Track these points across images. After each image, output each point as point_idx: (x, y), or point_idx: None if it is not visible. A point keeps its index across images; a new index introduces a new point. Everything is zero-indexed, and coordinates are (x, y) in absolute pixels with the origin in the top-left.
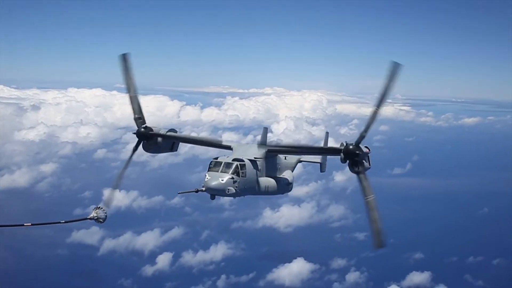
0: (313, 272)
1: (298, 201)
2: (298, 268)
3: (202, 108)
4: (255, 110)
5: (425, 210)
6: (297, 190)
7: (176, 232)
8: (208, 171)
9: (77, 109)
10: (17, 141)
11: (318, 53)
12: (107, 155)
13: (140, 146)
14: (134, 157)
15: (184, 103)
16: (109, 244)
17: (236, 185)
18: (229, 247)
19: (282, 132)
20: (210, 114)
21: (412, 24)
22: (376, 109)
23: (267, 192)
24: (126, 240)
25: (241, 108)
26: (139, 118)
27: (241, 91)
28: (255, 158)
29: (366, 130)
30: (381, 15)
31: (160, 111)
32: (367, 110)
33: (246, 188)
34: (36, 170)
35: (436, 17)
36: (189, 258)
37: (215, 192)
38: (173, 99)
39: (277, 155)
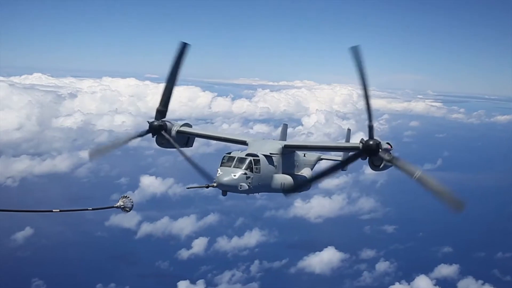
0: (343, 261)
1: (328, 193)
2: (328, 256)
3: (233, 99)
4: (285, 103)
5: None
6: (328, 183)
7: (211, 218)
8: (220, 166)
9: (111, 98)
10: (55, 127)
11: (347, 47)
12: (141, 143)
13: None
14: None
15: (216, 94)
16: (146, 228)
17: (249, 181)
18: (263, 234)
19: (313, 125)
20: (241, 106)
21: (445, 18)
22: (366, 95)
23: (283, 189)
24: (163, 225)
25: (272, 101)
26: (162, 111)
27: (271, 83)
28: (270, 153)
29: (370, 119)
30: (413, 8)
31: (192, 102)
32: (397, 105)
33: (260, 184)
34: (76, 156)
35: (471, 13)
36: (224, 243)
37: (226, 188)
38: (205, 90)
39: (294, 151)
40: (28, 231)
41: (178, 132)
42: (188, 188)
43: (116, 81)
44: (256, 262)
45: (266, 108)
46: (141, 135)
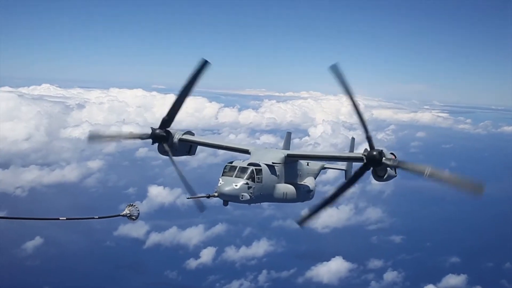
0: (351, 271)
1: (336, 203)
2: (336, 266)
3: (240, 110)
4: (292, 114)
5: (462, 214)
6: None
7: (219, 228)
8: (222, 175)
9: (119, 109)
10: (64, 138)
11: (354, 58)
12: (148, 154)
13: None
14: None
15: (222, 105)
16: (155, 238)
17: (251, 191)
18: (271, 244)
19: (320, 136)
20: (248, 117)
21: (451, 28)
22: (356, 109)
23: (286, 199)
24: (171, 234)
25: (278, 111)
26: (167, 121)
27: (277, 94)
28: (273, 163)
29: (366, 131)
30: (418, 18)
31: (199, 112)
32: (404, 116)
33: (262, 194)
34: (84, 166)
35: (477, 23)
36: (232, 253)
37: (228, 198)
38: (211, 101)
39: (297, 160)
40: (37, 240)
41: (180, 140)
42: (188, 198)
43: (123, 92)
44: (264, 271)
45: (272, 118)
46: (142, 137)
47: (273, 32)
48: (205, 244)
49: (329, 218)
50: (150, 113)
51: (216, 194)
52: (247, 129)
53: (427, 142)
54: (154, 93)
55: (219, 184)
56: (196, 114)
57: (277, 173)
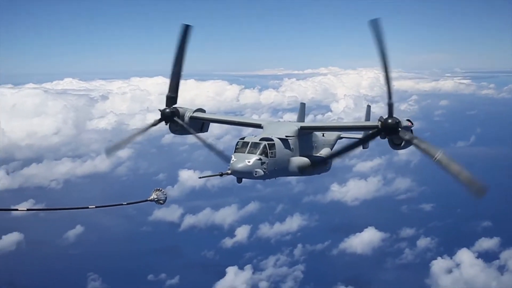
0: (384, 241)
1: (364, 176)
2: (369, 237)
3: (260, 91)
4: (312, 90)
5: (490, 178)
6: (362, 166)
7: (252, 206)
8: (234, 152)
9: (141, 97)
10: (91, 130)
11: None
12: (174, 139)
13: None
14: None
15: (243, 86)
16: (189, 220)
17: (265, 166)
18: (304, 218)
19: (342, 111)
20: (269, 96)
21: None
22: (386, 70)
23: (301, 172)
24: (205, 216)
25: (299, 89)
26: (172, 97)
27: (296, 72)
28: (286, 136)
29: (390, 96)
30: None
31: (220, 96)
32: (425, 85)
33: (277, 169)
34: (114, 156)
35: None
36: (266, 230)
37: (241, 175)
38: (232, 84)
39: (312, 132)
40: (78, 229)
41: (192, 118)
42: (200, 177)
43: (144, 81)
44: (299, 245)
45: (294, 97)
46: (154, 124)
47: (286, 11)
48: (239, 223)
49: (358, 190)
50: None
51: (229, 171)
52: (268, 108)
53: (451, 109)
54: None
55: (231, 161)
56: (217, 97)
57: (291, 147)
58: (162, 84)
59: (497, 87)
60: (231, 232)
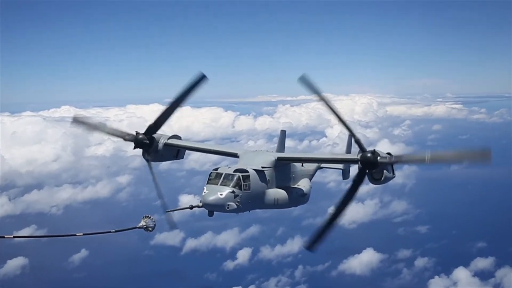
0: (382, 262)
1: (361, 199)
2: (367, 258)
3: (255, 117)
4: (307, 116)
5: (484, 200)
6: (359, 189)
7: (253, 229)
8: (207, 183)
9: (138, 124)
10: (89, 156)
11: (362, 57)
12: (171, 166)
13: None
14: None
15: (238, 113)
16: (191, 244)
17: (238, 199)
18: (305, 240)
19: (337, 136)
20: (264, 123)
21: (458, 21)
22: (336, 115)
23: (277, 205)
24: (207, 239)
25: (293, 115)
26: (153, 129)
27: (289, 98)
28: (262, 167)
29: (353, 134)
30: (424, 13)
31: (216, 122)
32: (418, 110)
33: (251, 202)
34: (114, 182)
35: (484, 13)
36: (268, 252)
37: (213, 208)
38: (227, 110)
39: (289, 163)
40: (83, 252)
41: (166, 144)
42: (168, 211)
43: (140, 108)
44: (300, 267)
45: (288, 122)
46: (125, 138)
47: (278, 37)
48: (240, 245)
49: (355, 214)
50: (167, 126)
51: (200, 204)
52: (264, 135)
53: (443, 134)
54: None
55: (203, 193)
56: (213, 124)
57: (267, 178)
58: (157, 111)
59: (488, 111)
60: (232, 255)
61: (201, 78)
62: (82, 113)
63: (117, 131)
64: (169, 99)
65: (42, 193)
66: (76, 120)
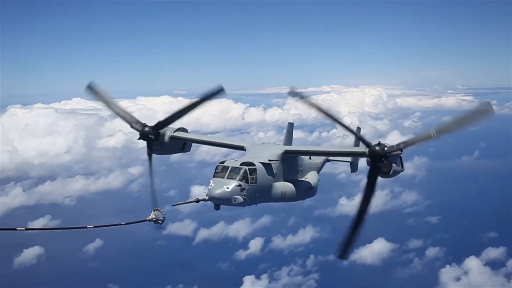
0: (393, 251)
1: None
2: (379, 247)
3: (265, 109)
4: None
5: (495, 190)
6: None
7: (265, 219)
8: (213, 176)
9: (149, 116)
10: (101, 148)
11: (372, 48)
12: (182, 157)
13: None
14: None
15: (248, 105)
16: (203, 234)
17: (245, 193)
18: (316, 230)
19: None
20: (274, 114)
21: (468, 11)
22: (335, 118)
23: (284, 198)
24: (219, 229)
25: (303, 107)
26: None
27: (299, 90)
28: (269, 160)
29: (352, 132)
30: (435, 5)
31: (225, 114)
32: (428, 102)
33: (258, 195)
34: (126, 173)
35: (495, 3)
36: (279, 242)
37: (219, 202)
38: (237, 102)
39: (297, 156)
40: (98, 242)
41: (172, 137)
42: (174, 205)
43: (151, 100)
44: (312, 256)
45: (298, 114)
46: (132, 126)
47: (290, 29)
48: (252, 235)
49: None
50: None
51: (206, 197)
52: (274, 126)
53: None
54: (180, 98)
55: (209, 187)
56: (223, 116)
57: (274, 171)
58: (168, 103)
59: (499, 103)
60: (245, 245)
61: (219, 90)
62: (93, 104)
63: (127, 114)
64: (178, 90)
65: (55, 184)
66: (91, 88)
